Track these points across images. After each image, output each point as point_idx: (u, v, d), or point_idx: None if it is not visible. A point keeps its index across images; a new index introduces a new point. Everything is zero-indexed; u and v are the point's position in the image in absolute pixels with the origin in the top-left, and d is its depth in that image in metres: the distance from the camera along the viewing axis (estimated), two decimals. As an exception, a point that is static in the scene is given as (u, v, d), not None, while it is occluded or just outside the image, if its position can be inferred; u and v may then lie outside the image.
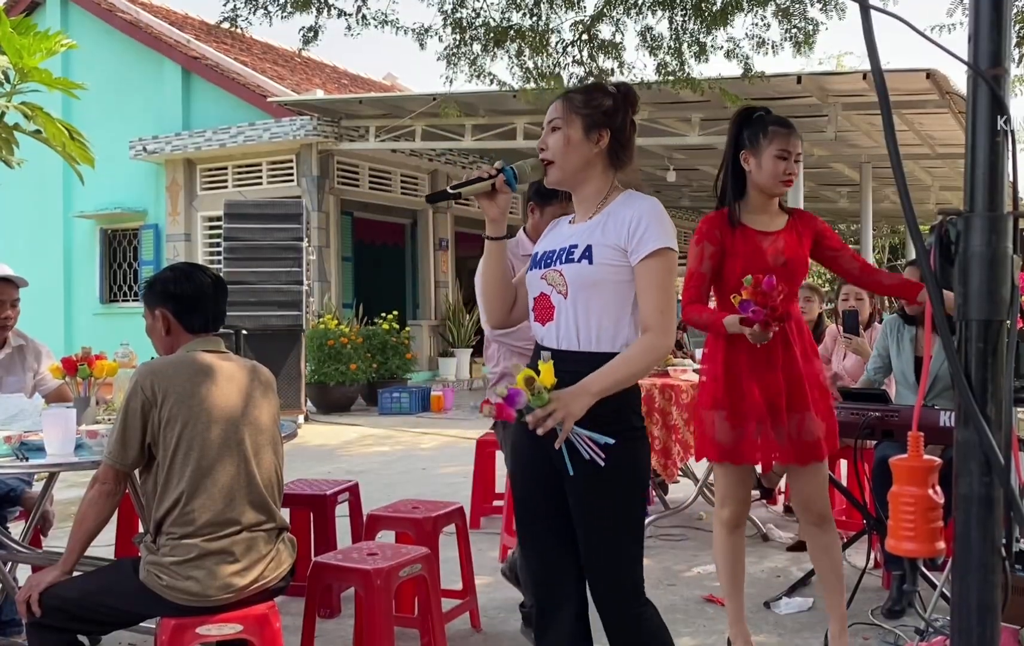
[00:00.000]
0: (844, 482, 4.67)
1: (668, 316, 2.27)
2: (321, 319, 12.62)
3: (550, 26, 7.39)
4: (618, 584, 2.32)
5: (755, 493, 5.89)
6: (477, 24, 7.26)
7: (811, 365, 3.21)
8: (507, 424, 2.55)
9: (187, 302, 2.80)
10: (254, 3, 6.72)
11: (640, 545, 2.36)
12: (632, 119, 2.45)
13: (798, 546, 5.03)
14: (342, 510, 4.43)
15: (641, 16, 7.30)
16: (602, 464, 2.13)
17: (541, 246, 2.46)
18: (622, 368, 2.21)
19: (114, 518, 3.32)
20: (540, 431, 2.06)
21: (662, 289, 2.26)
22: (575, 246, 2.32)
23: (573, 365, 2.21)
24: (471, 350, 15.72)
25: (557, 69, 7.60)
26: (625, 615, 2.32)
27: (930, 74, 9.60)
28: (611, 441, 2.13)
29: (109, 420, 3.61)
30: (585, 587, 2.40)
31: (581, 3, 7.34)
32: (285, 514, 3.09)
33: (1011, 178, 1.50)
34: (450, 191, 2.40)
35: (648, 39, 7.47)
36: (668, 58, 7.46)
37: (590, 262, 2.28)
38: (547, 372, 2.07)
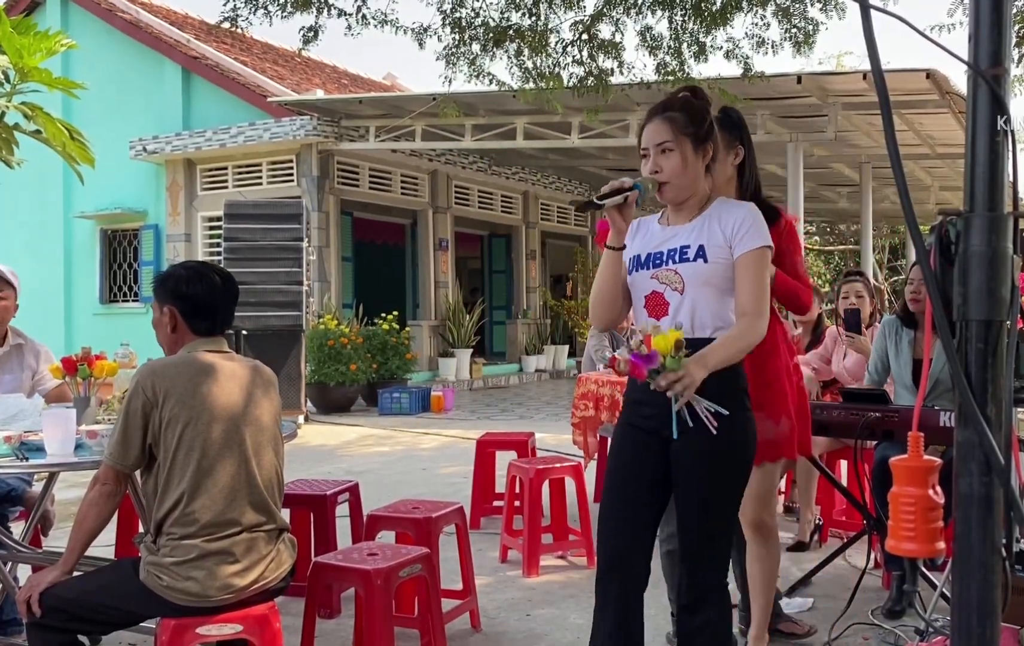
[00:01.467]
0: (844, 482, 4.67)
1: (764, 303, 2.53)
2: (321, 319, 12.62)
3: (549, 26, 7.39)
4: (703, 557, 2.55)
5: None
6: (476, 24, 7.26)
7: (773, 360, 3.17)
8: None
9: (196, 304, 2.80)
10: (254, 3, 6.72)
11: (733, 522, 2.64)
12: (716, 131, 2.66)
13: (798, 546, 5.03)
14: (342, 510, 4.43)
15: (641, 16, 7.30)
16: (714, 432, 2.40)
17: (639, 249, 2.63)
18: (731, 345, 2.46)
19: (114, 518, 3.33)
20: (670, 392, 2.30)
21: (759, 280, 2.53)
22: (687, 246, 2.56)
23: (689, 349, 2.41)
24: (471, 350, 15.73)
25: (557, 69, 7.60)
26: (705, 586, 2.55)
27: (930, 74, 9.59)
28: (725, 412, 2.41)
29: (109, 420, 3.61)
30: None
31: (581, 3, 7.34)
32: (285, 514, 3.09)
33: (1011, 178, 1.51)
34: (596, 201, 2.53)
35: (648, 39, 7.47)
36: (668, 58, 7.46)
37: (705, 260, 2.53)
38: (667, 340, 2.32)
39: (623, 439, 2.65)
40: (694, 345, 2.42)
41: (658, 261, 2.58)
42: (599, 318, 2.74)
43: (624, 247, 2.62)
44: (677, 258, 2.56)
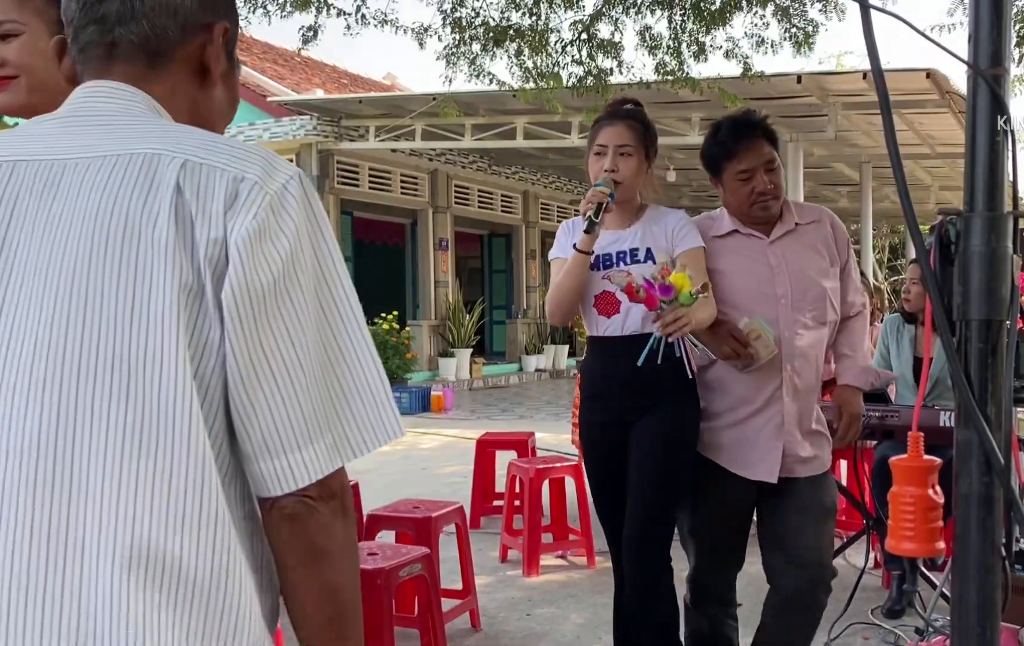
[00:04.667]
0: (844, 482, 4.67)
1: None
2: (321, 319, 12.61)
3: (549, 26, 7.38)
4: (646, 537, 2.70)
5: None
6: (476, 24, 7.25)
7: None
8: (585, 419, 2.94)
9: None
10: (254, 2, 6.71)
11: (674, 510, 2.76)
12: None
13: (798, 546, 5.03)
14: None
15: (640, 16, 7.29)
16: (691, 376, 2.69)
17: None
18: (705, 309, 2.65)
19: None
20: (671, 327, 2.50)
21: (703, 271, 2.71)
22: (636, 249, 2.77)
23: (640, 346, 2.62)
24: (471, 350, 15.72)
25: (556, 69, 7.59)
26: (646, 567, 2.70)
27: (930, 74, 9.59)
28: (713, 357, 2.71)
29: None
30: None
31: (580, 3, 7.33)
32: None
33: (1011, 178, 1.51)
34: (596, 222, 2.69)
35: (647, 39, 7.46)
36: (667, 58, 7.44)
37: (654, 262, 2.72)
38: (683, 278, 2.53)
39: (591, 437, 2.88)
40: (644, 339, 2.62)
41: (608, 263, 2.78)
42: (562, 317, 2.91)
43: (592, 253, 2.76)
44: (628, 259, 2.76)
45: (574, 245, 2.75)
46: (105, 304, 0.90)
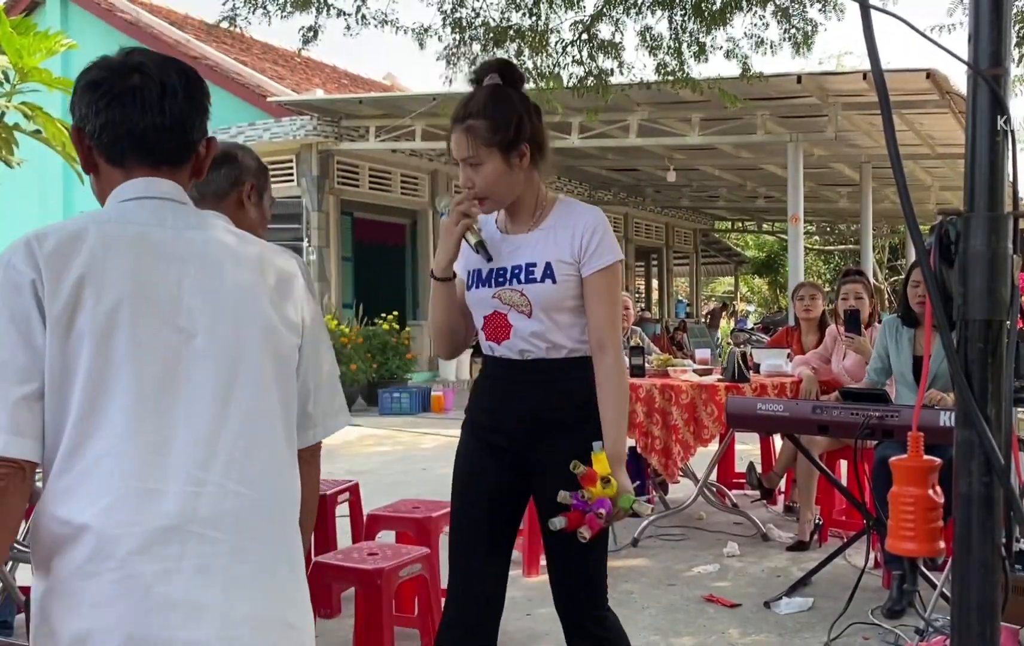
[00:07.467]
0: (844, 482, 4.67)
1: (619, 326, 2.34)
2: (321, 319, 12.62)
3: (550, 26, 7.38)
4: (589, 583, 2.36)
5: (755, 493, 5.90)
6: (477, 24, 7.25)
7: None
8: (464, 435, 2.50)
9: None
10: (253, 3, 6.70)
11: (606, 554, 2.42)
12: (535, 107, 2.37)
13: (798, 546, 5.03)
14: (342, 510, 4.43)
15: (641, 16, 7.28)
16: (588, 536, 2.14)
17: (480, 263, 2.37)
18: (620, 411, 2.28)
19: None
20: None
21: (613, 302, 2.31)
22: (533, 264, 2.30)
23: (540, 373, 2.31)
24: (471, 350, 15.71)
25: (557, 69, 7.59)
26: (591, 616, 2.38)
27: (930, 74, 9.59)
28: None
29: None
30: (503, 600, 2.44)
31: (581, 3, 7.32)
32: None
33: (1011, 178, 1.51)
34: (480, 250, 2.34)
35: (648, 39, 7.45)
36: (668, 58, 7.44)
37: (554, 281, 2.29)
38: (603, 462, 2.15)
39: (469, 452, 2.44)
40: (547, 367, 2.30)
41: (501, 279, 2.33)
42: (443, 352, 2.52)
43: (453, 277, 2.40)
44: (523, 277, 2.30)
45: (432, 272, 2.40)
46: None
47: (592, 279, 2.29)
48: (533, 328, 2.30)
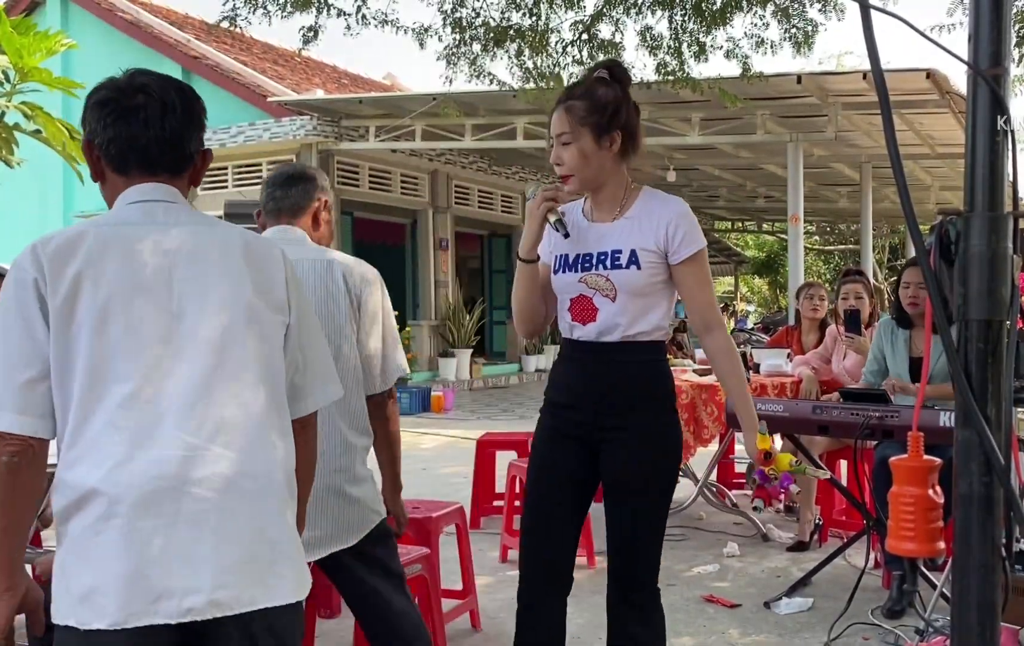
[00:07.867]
0: (844, 482, 4.67)
1: (717, 307, 2.54)
2: (321, 319, 12.61)
3: (550, 26, 7.37)
4: (639, 560, 2.49)
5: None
6: (477, 24, 7.24)
7: None
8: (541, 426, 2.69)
9: None
10: (253, 3, 6.70)
11: (663, 528, 2.56)
12: (635, 105, 2.49)
13: (798, 546, 5.03)
14: (342, 510, 4.42)
15: (641, 16, 7.28)
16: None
17: (567, 247, 2.50)
18: (741, 382, 2.53)
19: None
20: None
21: (708, 284, 2.48)
22: (619, 251, 2.42)
23: (616, 354, 2.44)
24: (471, 350, 15.71)
25: (557, 69, 7.58)
26: (642, 591, 2.51)
27: (930, 74, 9.59)
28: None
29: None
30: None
31: (581, 3, 7.32)
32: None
33: (1011, 178, 1.51)
34: (560, 229, 2.47)
35: (648, 39, 7.45)
36: (668, 58, 7.44)
37: (639, 268, 2.41)
38: (764, 440, 2.47)
39: (551, 444, 2.60)
40: (625, 349, 2.43)
41: (587, 264, 2.46)
42: (524, 330, 2.66)
43: (538, 259, 2.53)
44: (609, 263, 2.43)
45: (516, 253, 2.54)
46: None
47: (684, 267, 2.43)
48: (616, 311, 2.42)
